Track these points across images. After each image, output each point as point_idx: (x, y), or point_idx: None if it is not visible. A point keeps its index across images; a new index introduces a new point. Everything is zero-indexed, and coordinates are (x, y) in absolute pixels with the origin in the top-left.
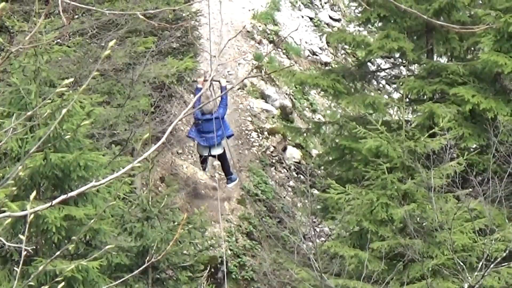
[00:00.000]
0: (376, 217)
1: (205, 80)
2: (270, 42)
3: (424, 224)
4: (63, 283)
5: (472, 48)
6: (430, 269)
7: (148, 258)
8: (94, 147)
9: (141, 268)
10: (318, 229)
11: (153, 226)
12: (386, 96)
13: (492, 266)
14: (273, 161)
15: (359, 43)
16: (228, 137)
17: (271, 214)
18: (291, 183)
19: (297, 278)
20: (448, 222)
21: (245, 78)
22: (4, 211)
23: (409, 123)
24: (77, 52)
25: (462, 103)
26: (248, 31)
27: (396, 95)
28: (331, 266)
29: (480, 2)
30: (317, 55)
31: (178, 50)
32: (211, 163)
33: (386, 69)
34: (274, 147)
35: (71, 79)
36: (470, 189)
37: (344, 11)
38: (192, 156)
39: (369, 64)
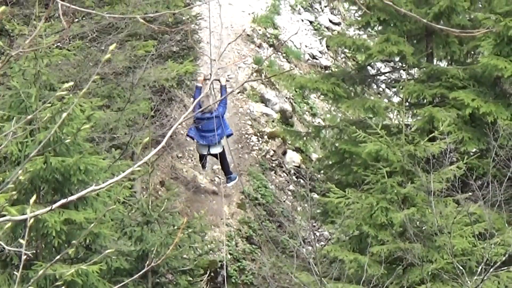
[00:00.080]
0: (376, 221)
1: (205, 79)
2: (270, 45)
3: (423, 228)
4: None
5: (472, 52)
6: (429, 273)
7: (148, 262)
8: (94, 151)
9: (140, 273)
10: (317, 233)
11: (153, 230)
12: (386, 100)
13: (491, 270)
14: (273, 165)
15: (359, 46)
16: (228, 136)
17: (271, 218)
18: (291, 187)
19: (296, 282)
20: (447, 226)
21: (245, 82)
22: (4, 215)
23: (409, 127)
24: (77, 56)
25: (462, 107)
26: (248, 35)
27: (396, 99)
28: (330, 270)
29: (480, 6)
30: (317, 59)
31: (178, 54)
32: (211, 167)
33: (386, 73)
34: (274, 151)
35: (71, 83)
36: (470, 193)
37: (344, 15)
38: (192, 160)
39: (369, 68)
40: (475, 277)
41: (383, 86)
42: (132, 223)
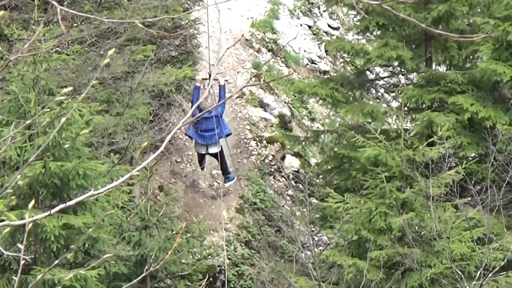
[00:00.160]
0: (375, 226)
1: (203, 79)
2: (269, 50)
3: (422, 233)
4: None
5: (471, 57)
6: (428, 278)
7: (146, 267)
8: (93, 155)
9: (139, 277)
10: (316, 238)
11: (152, 235)
12: (384, 105)
13: (490, 275)
14: (272, 169)
15: (357, 51)
16: (226, 135)
17: (270, 223)
18: (290, 192)
19: (295, 287)
20: (446, 231)
21: (244, 86)
22: (2, 220)
23: (407, 131)
24: (76, 60)
25: (461, 112)
26: (246, 40)
27: (394, 104)
28: (329, 275)
29: (479, 10)
30: (315, 64)
31: (177, 59)
32: (210, 172)
33: (385, 77)
34: (272, 155)
35: (70, 88)
36: (469, 198)
37: (342, 20)
38: (191, 165)
39: (367, 72)
40: (474, 282)
41: (382, 90)
42: (130, 227)
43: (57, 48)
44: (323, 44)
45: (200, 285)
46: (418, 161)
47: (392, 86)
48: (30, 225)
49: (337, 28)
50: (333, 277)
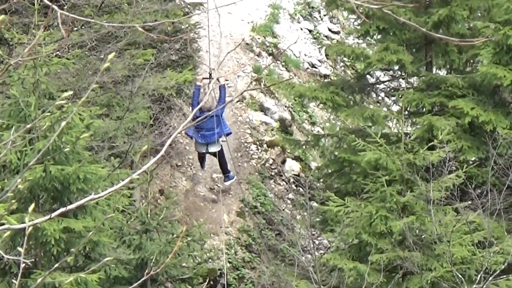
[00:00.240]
0: (375, 229)
1: (204, 78)
2: (269, 54)
3: (423, 236)
4: None
5: (471, 61)
6: (429, 281)
7: (147, 270)
8: (93, 159)
9: (140, 281)
10: (317, 242)
11: (152, 239)
12: (385, 109)
13: (490, 278)
14: (272, 173)
15: (358, 55)
16: (227, 135)
17: (270, 227)
18: (290, 195)
19: None
20: (447, 235)
21: (245, 91)
22: (3, 224)
23: (408, 135)
24: (76, 65)
25: (461, 116)
26: (247, 44)
27: (395, 108)
28: (330, 278)
29: (479, 14)
30: (316, 68)
31: (177, 63)
32: (210, 176)
33: (385, 81)
34: (273, 159)
35: (71, 92)
36: (469, 202)
37: (343, 24)
38: (191, 169)
39: (368, 76)
40: (474, 286)
41: (382, 94)
42: (131, 231)
43: (58, 52)
44: (324, 48)
45: None
46: (418, 165)
47: (392, 90)
48: (30, 228)
49: (337, 32)
50: (334, 280)
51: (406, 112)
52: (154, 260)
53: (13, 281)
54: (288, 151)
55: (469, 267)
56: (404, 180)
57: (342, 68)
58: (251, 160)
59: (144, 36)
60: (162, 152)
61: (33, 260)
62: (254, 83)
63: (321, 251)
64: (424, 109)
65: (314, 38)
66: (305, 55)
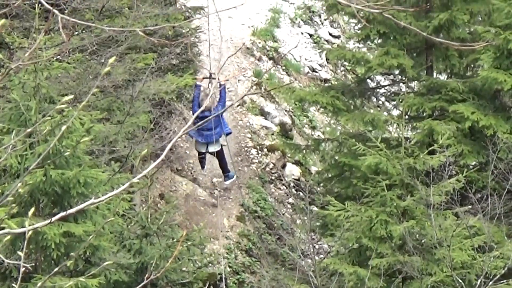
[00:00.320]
0: (375, 234)
1: (204, 78)
2: (270, 58)
3: (423, 241)
4: None
5: (472, 65)
6: (429, 286)
7: (147, 275)
8: (94, 163)
9: (140, 286)
10: (317, 246)
11: (152, 243)
12: (385, 113)
13: (491, 283)
14: (273, 178)
15: (358, 59)
16: (227, 134)
17: (270, 231)
18: (291, 200)
19: None
20: (447, 239)
21: (245, 95)
22: (3, 228)
23: (408, 140)
24: (77, 69)
25: (462, 120)
26: (247, 48)
27: (395, 112)
28: (330, 283)
29: (480, 19)
30: (316, 72)
31: (178, 67)
32: (211, 180)
33: (386, 86)
34: (273, 164)
35: (71, 96)
36: (469, 206)
37: (343, 28)
38: (191, 173)
39: (368, 81)
40: None
41: (383, 99)
42: (131, 235)
43: (58, 56)
44: (324, 52)
45: None
46: (418, 169)
47: (393, 95)
48: (30, 232)
49: (338, 37)
50: (334, 285)
51: (407, 117)
52: (154, 264)
53: (13, 285)
54: (289, 155)
55: (469, 271)
56: (404, 185)
57: (343, 72)
58: (251, 164)
59: (144, 40)
60: (162, 157)
61: (33, 264)
62: (254, 87)
63: (321, 256)
64: (425, 114)
65: (315, 43)
66: (306, 59)
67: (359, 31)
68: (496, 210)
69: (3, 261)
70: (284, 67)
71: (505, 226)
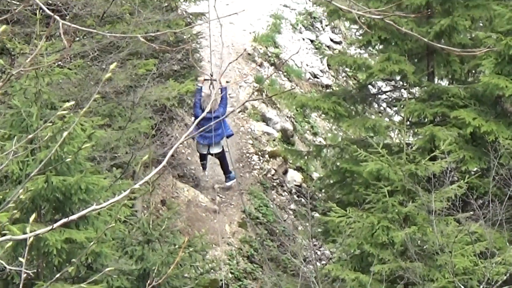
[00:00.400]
0: (377, 240)
1: (205, 80)
2: (271, 64)
3: (425, 247)
4: None
5: (473, 71)
6: None
7: (149, 281)
8: (95, 170)
9: None
10: (319, 252)
11: (154, 249)
12: (387, 119)
13: None
14: (274, 184)
15: (360, 65)
16: (228, 136)
17: (272, 237)
18: (292, 206)
19: None
20: (449, 245)
21: (247, 101)
22: (5, 234)
23: (410, 146)
24: (78, 75)
25: (463, 126)
26: (249, 54)
27: (397, 118)
28: None
29: (481, 24)
30: (318, 78)
31: (179, 73)
32: (212, 186)
33: (387, 91)
34: (275, 170)
35: (72, 102)
36: (471, 212)
37: (345, 34)
38: (193, 179)
39: (370, 86)
40: None
41: (384, 105)
42: (133, 242)
43: (59, 62)
44: (326, 58)
45: None
46: (420, 175)
47: (394, 100)
48: (32, 239)
49: (339, 42)
50: None
51: (408, 123)
52: (156, 270)
53: None
54: (290, 161)
55: (471, 277)
56: (406, 191)
57: (344, 78)
58: (253, 170)
59: (146, 46)
60: (164, 163)
61: (35, 270)
62: (256, 93)
63: (323, 262)
64: (426, 120)
65: (316, 48)
66: (307, 65)
67: (360, 37)
68: (497, 216)
69: (5, 267)
70: (285, 73)
71: (506, 232)
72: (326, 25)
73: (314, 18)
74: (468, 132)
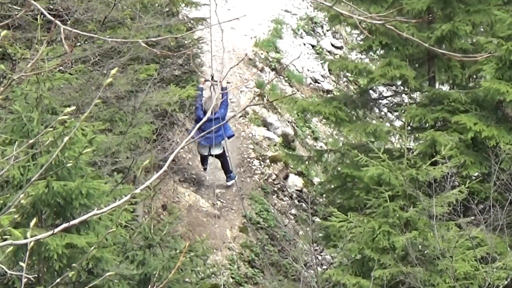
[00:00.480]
0: (378, 245)
1: (206, 81)
2: (272, 69)
3: (425, 252)
4: None
5: (474, 76)
6: None
7: (150, 286)
8: (96, 175)
9: None
10: (320, 257)
11: (155, 254)
12: (388, 124)
13: None
14: (275, 189)
15: (361, 70)
16: (229, 137)
17: (273, 242)
18: (293, 211)
19: None
20: (449, 250)
21: (248, 106)
22: (6, 239)
23: (411, 151)
24: (79, 80)
25: (464, 131)
26: (250, 59)
27: (398, 123)
28: None
29: (482, 29)
30: (319, 83)
31: (180, 78)
32: (213, 191)
33: (388, 96)
34: (276, 175)
35: (73, 107)
36: (472, 217)
37: (346, 39)
38: (194, 184)
39: (371, 91)
40: None
41: (385, 110)
42: (134, 247)
43: (60, 67)
44: (327, 63)
45: None
46: (421, 180)
47: (395, 105)
48: (33, 244)
49: (340, 47)
50: None
51: (409, 128)
52: (157, 275)
53: None
54: (291, 166)
55: (472, 282)
56: (406, 196)
57: (345, 83)
58: (254, 175)
59: (147, 51)
60: (165, 167)
61: (35, 275)
62: (257, 98)
63: (324, 267)
64: (427, 124)
65: (317, 53)
66: (308, 70)
67: (361, 42)
68: (498, 221)
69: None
70: (286, 78)
71: (507, 237)
72: (327, 30)
73: (315, 23)
74: (469, 137)
